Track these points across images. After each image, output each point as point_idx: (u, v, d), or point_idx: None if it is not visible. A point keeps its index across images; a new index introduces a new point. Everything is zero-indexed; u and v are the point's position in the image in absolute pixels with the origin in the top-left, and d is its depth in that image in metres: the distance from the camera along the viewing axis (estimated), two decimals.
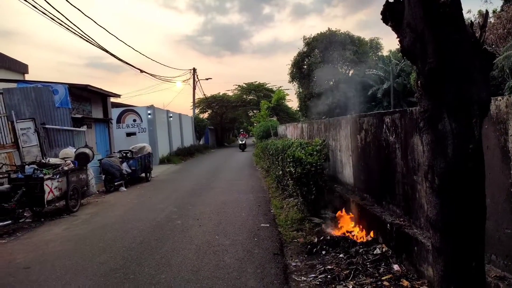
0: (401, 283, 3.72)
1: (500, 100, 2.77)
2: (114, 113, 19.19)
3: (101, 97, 15.79)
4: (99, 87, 14.55)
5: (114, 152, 14.70)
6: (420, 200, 3.96)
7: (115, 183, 11.86)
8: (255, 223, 6.73)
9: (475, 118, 2.35)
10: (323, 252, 4.88)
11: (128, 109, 21.55)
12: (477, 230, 2.39)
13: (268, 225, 6.60)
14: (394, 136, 4.59)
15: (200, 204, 8.79)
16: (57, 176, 8.54)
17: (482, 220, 2.39)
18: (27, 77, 17.55)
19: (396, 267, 4.07)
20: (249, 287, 4.05)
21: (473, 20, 17.58)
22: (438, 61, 2.38)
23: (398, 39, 2.67)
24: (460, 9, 2.44)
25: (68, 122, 12.07)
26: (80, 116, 13.15)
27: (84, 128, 13.14)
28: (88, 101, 14.83)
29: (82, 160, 9.85)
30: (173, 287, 4.14)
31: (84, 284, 4.35)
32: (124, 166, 12.61)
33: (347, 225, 5.63)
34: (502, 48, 16.41)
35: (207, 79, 41.55)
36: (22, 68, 17.69)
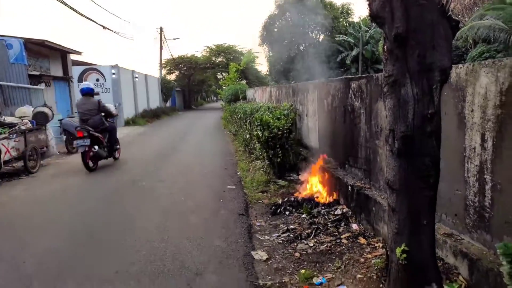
0: (358, 240, 3.93)
1: (460, 67, 2.85)
2: (75, 71, 18.28)
3: (60, 53, 14.93)
4: (57, 43, 13.73)
5: (75, 112, 14.13)
6: (381, 164, 4.12)
7: None
8: (221, 185, 6.79)
9: (436, 84, 2.42)
10: (287, 213, 5.04)
11: (91, 68, 20.56)
12: (430, 191, 2.52)
13: (234, 187, 6.68)
14: (359, 102, 4.68)
15: (166, 166, 8.73)
16: (14, 136, 8.15)
17: (435, 182, 2.52)
18: None
19: (355, 226, 4.28)
20: (214, 246, 4.14)
21: None
22: (405, 26, 2.40)
23: (368, 2, 2.65)
24: None
25: (24, 79, 11.39)
26: (37, 73, 12.44)
27: (42, 86, 12.46)
28: (47, 57, 14.01)
29: (40, 119, 9.41)
30: (137, 247, 4.16)
31: (46, 245, 4.29)
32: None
33: (311, 187, 5.80)
34: (468, 19, 16.78)
35: (174, 39, 40.15)
36: None
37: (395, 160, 2.56)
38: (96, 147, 8.23)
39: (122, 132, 16.14)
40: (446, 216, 3.10)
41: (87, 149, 8.01)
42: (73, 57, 16.41)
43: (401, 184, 2.55)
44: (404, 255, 2.51)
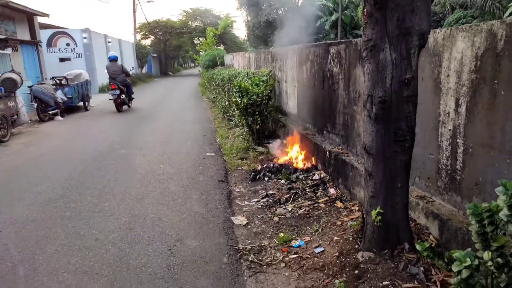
0: (335, 204, 4.04)
1: (438, 32, 2.85)
2: (44, 35, 17.36)
3: (26, 16, 14.08)
4: (23, 4, 12.92)
5: (46, 79, 13.56)
6: (358, 130, 4.18)
7: (50, 112, 11.10)
8: (200, 152, 6.78)
9: (414, 48, 2.42)
10: (266, 179, 5.10)
11: (60, 31, 19.56)
12: (406, 155, 2.58)
13: (213, 154, 6.68)
14: (338, 67, 4.66)
15: (144, 134, 8.60)
16: None
17: (410, 146, 2.58)
18: None
19: (332, 190, 4.38)
20: (193, 212, 4.17)
21: None
22: None
23: None
24: None
25: None
26: (3, 36, 11.74)
27: (8, 51, 11.82)
28: (12, 20, 13.19)
29: (9, 86, 8.99)
30: (117, 215, 4.15)
31: (22, 213, 4.22)
32: (59, 94, 11.76)
33: (290, 153, 5.86)
34: None
35: (148, 1, 38.48)
36: None
37: (372, 125, 2.60)
38: (123, 96, 12.09)
39: (97, 100, 15.69)
40: (420, 179, 3.21)
41: (117, 97, 11.77)
42: (40, 19, 15.52)
43: (378, 148, 2.60)
44: (379, 217, 2.61)
